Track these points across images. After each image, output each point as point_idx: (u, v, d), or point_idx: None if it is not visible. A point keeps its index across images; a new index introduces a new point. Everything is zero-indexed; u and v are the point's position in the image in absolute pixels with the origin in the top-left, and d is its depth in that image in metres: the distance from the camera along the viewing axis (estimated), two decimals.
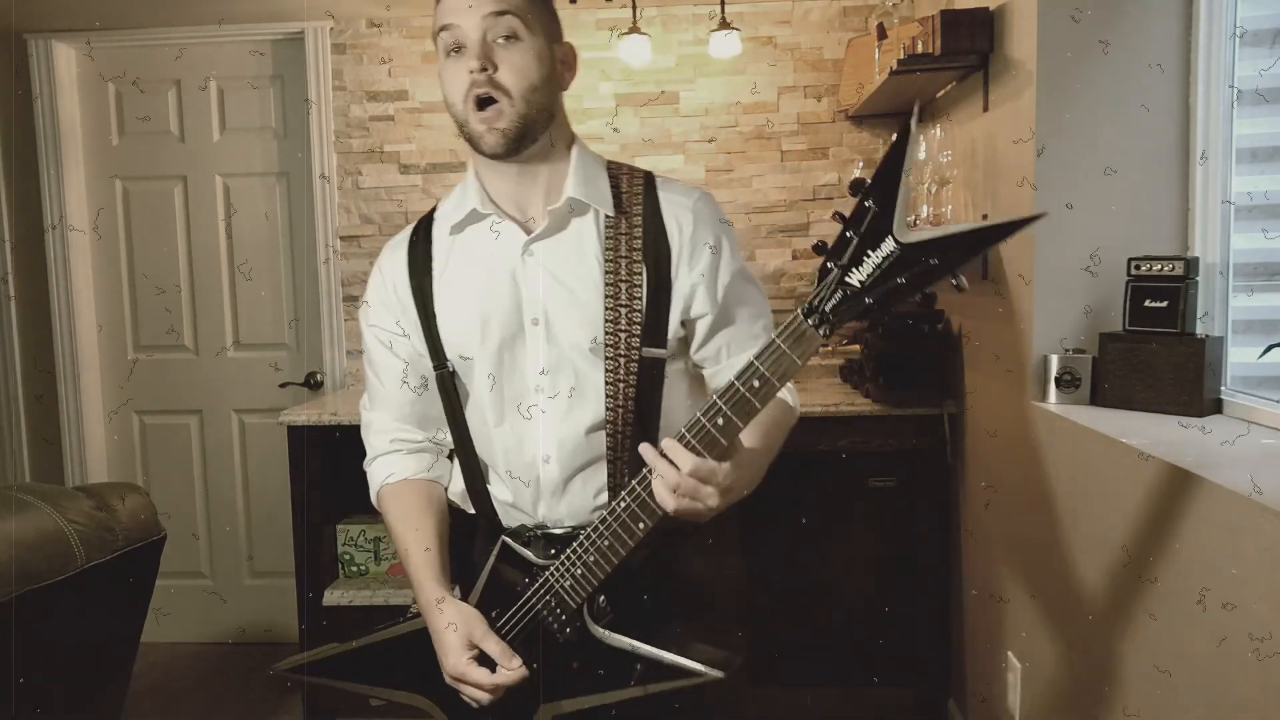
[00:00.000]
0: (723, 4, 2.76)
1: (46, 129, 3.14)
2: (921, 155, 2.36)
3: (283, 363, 3.26)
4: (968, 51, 2.09)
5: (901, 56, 2.16)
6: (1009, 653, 2.05)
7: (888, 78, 2.28)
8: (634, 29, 2.77)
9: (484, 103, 1.15)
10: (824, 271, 0.92)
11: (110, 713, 1.63)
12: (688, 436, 1.03)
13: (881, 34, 2.40)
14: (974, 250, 0.86)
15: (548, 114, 1.21)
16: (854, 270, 0.89)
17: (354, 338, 3.14)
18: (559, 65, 1.22)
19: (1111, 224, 1.81)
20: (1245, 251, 1.68)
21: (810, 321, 0.93)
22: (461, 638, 1.20)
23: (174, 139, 3.21)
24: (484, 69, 1.14)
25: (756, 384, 0.98)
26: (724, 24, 2.76)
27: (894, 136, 0.88)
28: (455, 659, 1.19)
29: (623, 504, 1.10)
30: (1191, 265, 1.67)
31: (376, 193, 3.10)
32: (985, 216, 2.17)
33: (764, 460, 1.21)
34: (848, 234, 0.90)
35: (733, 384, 1.00)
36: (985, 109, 2.15)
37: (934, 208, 2.37)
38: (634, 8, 2.77)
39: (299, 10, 3.03)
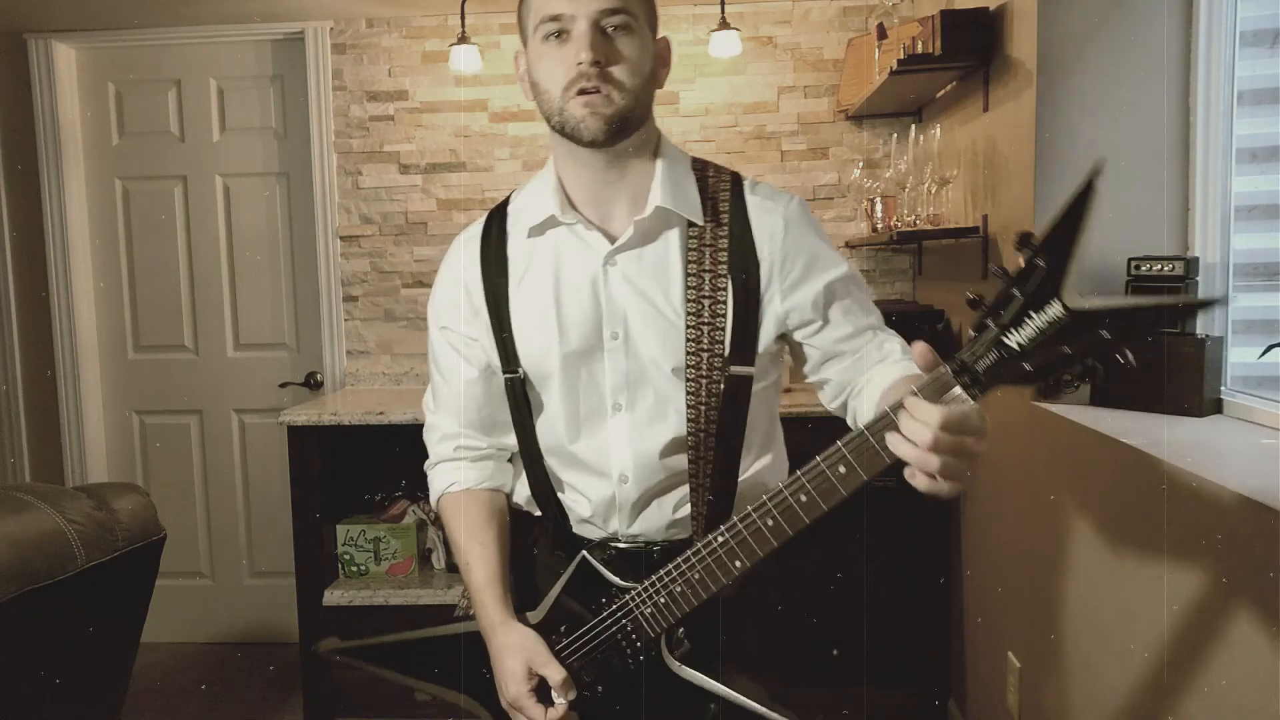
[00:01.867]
0: (723, 4, 2.76)
1: (46, 129, 3.14)
2: (922, 155, 2.36)
3: (283, 363, 3.26)
4: (968, 51, 2.09)
5: (901, 56, 2.16)
6: (1009, 653, 2.05)
7: (888, 78, 2.28)
8: None
9: (589, 92, 1.09)
10: (980, 328, 0.85)
11: (110, 713, 1.62)
12: (918, 392, 0.89)
13: (881, 34, 2.40)
14: (1150, 325, 0.80)
15: (646, 109, 1.15)
16: (1013, 331, 0.83)
17: (354, 338, 3.14)
18: (655, 62, 1.16)
19: (1111, 224, 1.81)
20: (1245, 251, 1.68)
21: (961, 380, 0.87)
22: (522, 665, 1.15)
23: (174, 139, 3.21)
24: (596, 62, 1.07)
25: (885, 437, 0.92)
26: (724, 24, 2.76)
27: (1074, 192, 0.82)
28: (516, 688, 1.14)
29: (720, 539, 1.05)
30: (1191, 265, 1.67)
31: (376, 193, 3.10)
32: (985, 218, 2.17)
33: None
34: (1011, 291, 0.83)
35: (862, 433, 0.94)
36: (985, 109, 2.15)
37: (934, 208, 2.38)
38: None
39: (299, 10, 3.04)
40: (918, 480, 0.89)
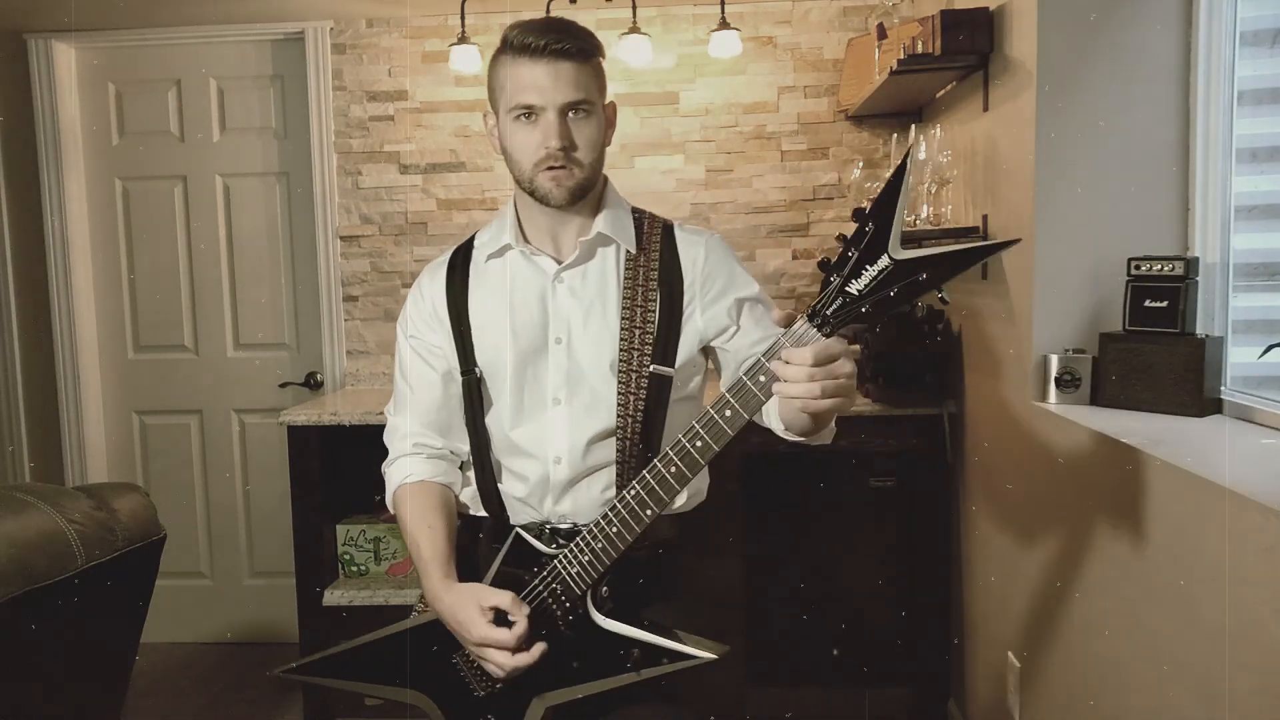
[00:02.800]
0: (723, 4, 2.76)
1: (46, 129, 3.14)
2: (922, 155, 2.36)
3: (283, 363, 3.26)
4: (968, 51, 2.09)
5: (901, 56, 2.16)
6: (1009, 653, 2.05)
7: (888, 78, 2.28)
8: (634, 29, 2.77)
9: (556, 168, 1.29)
10: (826, 282, 1.04)
11: (110, 713, 1.63)
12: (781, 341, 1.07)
13: (881, 34, 2.40)
14: (958, 267, 0.98)
15: (599, 169, 1.35)
16: (853, 281, 1.01)
17: (354, 338, 3.14)
18: (606, 127, 1.35)
19: (1111, 224, 1.81)
20: (1245, 251, 1.68)
21: (814, 323, 1.04)
22: (474, 607, 1.26)
23: (174, 139, 3.21)
24: (563, 147, 1.27)
25: (763, 379, 1.07)
26: (724, 24, 2.76)
27: (892, 169, 1.02)
28: (477, 627, 1.25)
29: (631, 492, 1.19)
30: (1191, 265, 1.67)
31: (376, 193, 3.10)
32: (985, 217, 2.17)
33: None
34: (849, 251, 1.02)
35: (740, 379, 1.09)
36: (985, 109, 2.15)
37: (934, 208, 2.37)
38: (634, 8, 2.77)
39: (299, 10, 3.03)
40: (812, 405, 1.04)
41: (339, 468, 2.78)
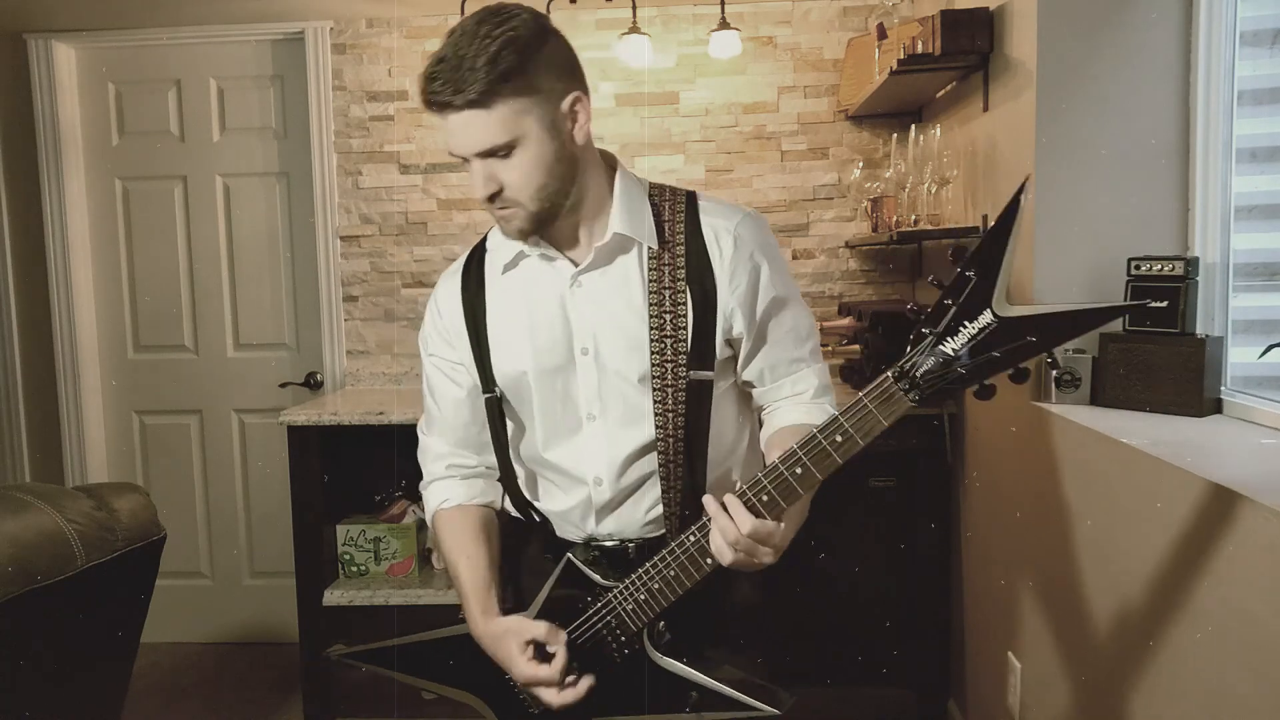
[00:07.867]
0: (723, 4, 2.76)
1: (46, 129, 3.14)
2: (921, 155, 2.36)
3: (283, 363, 3.26)
4: (968, 51, 2.09)
5: (901, 56, 2.16)
6: (1009, 653, 2.05)
7: (888, 78, 2.29)
8: (634, 29, 2.77)
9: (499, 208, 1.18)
10: (918, 337, 0.92)
11: (110, 713, 1.63)
12: (749, 495, 1.05)
13: (881, 34, 2.40)
14: (1073, 331, 0.85)
15: (563, 190, 1.18)
16: (949, 339, 0.90)
17: (354, 338, 3.14)
18: (566, 134, 1.16)
19: (1111, 224, 1.81)
20: (1245, 251, 1.68)
21: (900, 385, 0.93)
22: (515, 644, 1.23)
23: (174, 139, 3.21)
24: (490, 196, 1.15)
25: (839, 439, 0.99)
26: (724, 24, 2.76)
27: (1005, 205, 0.89)
28: (518, 666, 1.23)
29: (692, 538, 1.13)
30: (1191, 265, 1.67)
31: (376, 193, 3.10)
32: (985, 217, 2.17)
33: (805, 509, 1.22)
34: (946, 301, 0.90)
35: (814, 436, 1.00)
36: (985, 109, 2.15)
37: (933, 208, 2.38)
38: (634, 8, 2.77)
39: (299, 10, 3.03)
40: (721, 558, 1.09)
41: (339, 468, 2.78)
